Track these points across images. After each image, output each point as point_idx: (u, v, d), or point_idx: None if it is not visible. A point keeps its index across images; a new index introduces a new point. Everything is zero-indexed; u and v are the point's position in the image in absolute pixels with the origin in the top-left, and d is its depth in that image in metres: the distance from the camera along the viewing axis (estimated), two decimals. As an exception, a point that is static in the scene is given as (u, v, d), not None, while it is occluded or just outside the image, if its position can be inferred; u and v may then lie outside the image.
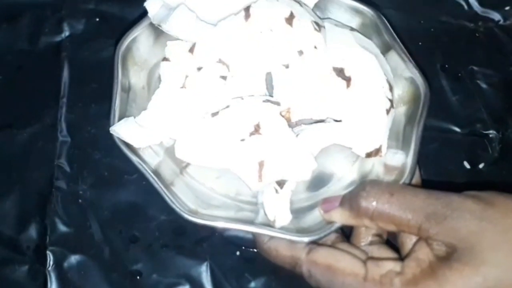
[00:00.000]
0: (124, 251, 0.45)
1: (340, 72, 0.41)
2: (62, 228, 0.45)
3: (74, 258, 0.44)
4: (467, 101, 0.51)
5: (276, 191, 0.39)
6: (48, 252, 0.44)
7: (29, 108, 0.48)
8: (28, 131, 0.48)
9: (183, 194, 0.40)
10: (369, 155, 0.41)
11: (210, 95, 0.40)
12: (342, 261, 0.37)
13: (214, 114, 0.39)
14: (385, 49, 0.43)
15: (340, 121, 0.40)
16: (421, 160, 0.47)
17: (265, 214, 0.39)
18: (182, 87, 0.40)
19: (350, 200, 0.37)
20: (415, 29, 0.52)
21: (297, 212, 0.40)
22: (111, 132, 0.39)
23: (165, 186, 0.39)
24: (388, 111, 0.41)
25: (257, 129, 0.38)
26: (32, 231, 0.45)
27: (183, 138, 0.39)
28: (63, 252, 0.45)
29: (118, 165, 0.47)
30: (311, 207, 0.41)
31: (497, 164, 0.49)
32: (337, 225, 0.38)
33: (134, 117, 0.40)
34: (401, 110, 0.42)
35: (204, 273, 0.45)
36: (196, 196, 0.41)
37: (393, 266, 0.36)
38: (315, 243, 0.38)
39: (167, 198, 0.38)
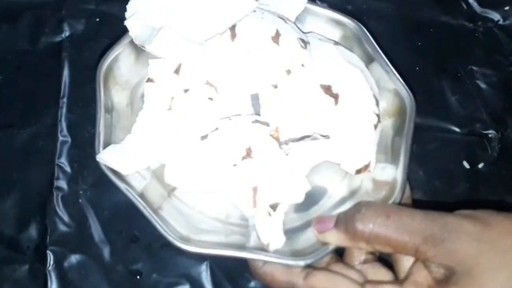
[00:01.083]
0: (124, 251, 0.45)
1: (327, 89, 0.40)
2: (62, 227, 0.45)
3: (74, 258, 0.45)
4: (467, 101, 0.51)
5: (269, 214, 0.39)
6: (48, 251, 0.45)
7: (29, 108, 0.48)
8: (28, 131, 0.48)
9: (172, 219, 0.39)
10: (358, 171, 0.40)
11: (198, 117, 0.39)
12: (340, 285, 0.36)
13: (204, 137, 0.38)
14: (367, 61, 0.43)
15: (328, 137, 0.40)
16: (420, 159, 0.48)
17: (258, 238, 0.39)
18: (168, 109, 0.40)
19: (345, 222, 0.36)
20: (414, 29, 0.52)
21: (289, 233, 0.39)
22: (97, 160, 0.39)
23: (153, 211, 0.38)
24: (375, 126, 0.41)
25: (248, 153, 0.38)
26: (33, 231, 0.45)
27: (172, 163, 0.39)
28: (63, 251, 0.45)
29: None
30: (303, 227, 0.40)
31: (497, 164, 0.49)
32: (332, 247, 0.38)
33: (119, 140, 0.40)
34: (388, 123, 0.42)
35: (204, 273, 0.45)
36: (185, 220, 0.40)
37: None
38: (310, 266, 0.37)
39: (157, 225, 0.38)
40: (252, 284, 0.45)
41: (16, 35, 0.51)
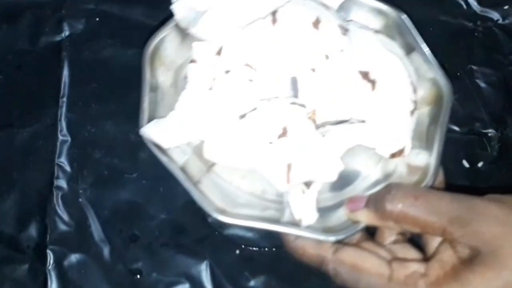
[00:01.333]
0: (124, 250, 0.45)
1: (365, 75, 0.42)
2: (62, 227, 0.45)
3: (74, 257, 0.45)
4: (466, 100, 0.51)
5: (303, 191, 0.40)
6: (48, 251, 0.45)
7: (29, 108, 0.48)
8: (28, 130, 0.48)
9: (210, 192, 0.40)
10: (393, 155, 0.41)
11: (238, 97, 0.40)
12: (368, 261, 0.37)
13: (242, 116, 0.40)
14: (408, 50, 0.44)
15: (364, 122, 0.41)
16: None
17: (292, 214, 0.40)
18: (209, 89, 0.41)
19: (375, 202, 0.38)
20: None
21: (322, 211, 0.40)
22: (140, 134, 0.40)
23: (192, 184, 0.39)
24: (411, 113, 0.42)
25: (284, 132, 0.39)
26: (32, 230, 0.45)
27: (211, 139, 0.40)
28: (63, 251, 0.45)
29: (118, 165, 0.47)
30: (336, 206, 0.41)
31: (496, 163, 0.49)
32: (362, 225, 0.39)
33: (162, 117, 0.41)
34: (425, 110, 0.43)
35: (204, 272, 0.45)
36: (223, 195, 0.41)
37: (417, 267, 0.36)
38: (341, 242, 0.39)
39: (195, 196, 0.39)
40: (252, 282, 0.45)
41: (16, 35, 0.51)
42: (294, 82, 0.41)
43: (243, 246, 0.46)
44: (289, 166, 0.39)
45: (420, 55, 0.43)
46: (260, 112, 0.40)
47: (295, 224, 0.39)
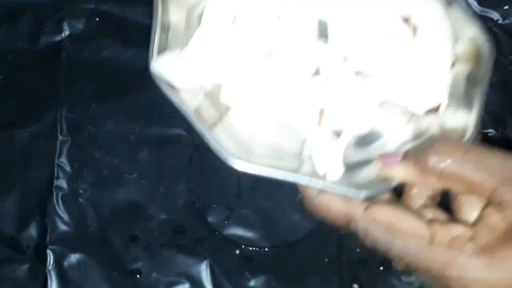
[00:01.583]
0: (124, 250, 0.45)
1: (406, 20, 0.38)
2: (62, 227, 0.45)
3: (74, 257, 0.45)
4: (466, 100, 0.51)
5: (331, 141, 0.36)
6: (48, 251, 0.45)
7: (29, 108, 0.48)
8: (28, 130, 0.48)
9: (224, 141, 0.36)
10: (427, 112, 0.38)
11: (263, 36, 0.37)
12: (405, 220, 0.33)
13: (269, 54, 0.36)
14: (446, 3, 0.40)
15: (399, 73, 0.38)
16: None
17: (312, 167, 0.36)
18: (231, 26, 0.37)
19: (416, 155, 0.34)
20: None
21: (347, 168, 0.36)
22: (150, 70, 0.36)
23: (207, 128, 0.35)
24: (451, 67, 0.39)
25: (318, 73, 0.36)
26: (32, 230, 0.45)
27: (230, 80, 0.36)
28: (63, 251, 0.45)
29: (118, 164, 0.47)
30: (361, 164, 0.37)
31: (496, 163, 0.49)
32: (395, 182, 0.35)
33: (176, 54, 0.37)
34: (463, 68, 0.40)
35: (204, 272, 0.45)
36: (237, 144, 0.37)
37: (463, 230, 0.33)
38: (370, 200, 0.35)
39: (210, 141, 0.35)
40: (252, 282, 0.45)
41: (16, 35, 0.51)
42: (322, 26, 0.37)
43: (243, 246, 0.46)
44: (321, 111, 0.36)
45: (459, 10, 0.40)
46: (290, 50, 0.36)
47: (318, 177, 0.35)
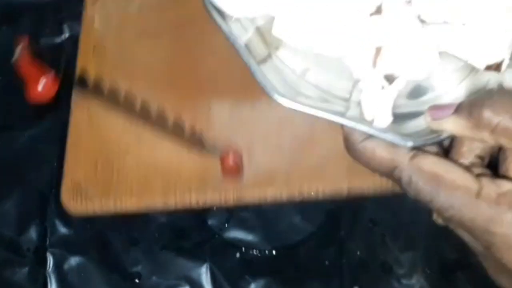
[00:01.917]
0: (124, 253, 0.45)
1: None
2: (62, 230, 0.45)
3: (74, 260, 0.45)
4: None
5: (382, 86, 0.35)
6: (48, 253, 0.45)
7: (29, 110, 0.48)
8: (28, 132, 0.48)
9: (271, 77, 0.35)
10: (488, 68, 0.36)
11: None
12: (453, 172, 0.32)
13: None
14: None
15: (463, 25, 0.36)
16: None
17: (359, 113, 0.35)
18: None
19: (470, 108, 0.32)
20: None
21: (396, 118, 0.35)
22: None
23: (256, 63, 0.34)
24: None
25: (379, 10, 0.34)
26: (32, 233, 0.45)
27: (284, 12, 0.35)
28: (63, 253, 0.45)
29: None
30: (412, 115, 0.36)
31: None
32: (446, 134, 0.33)
33: None
34: None
35: (204, 275, 0.45)
36: (284, 82, 0.36)
37: None
38: (417, 149, 0.33)
39: (258, 76, 0.33)
40: (252, 285, 0.45)
41: (16, 36, 0.51)
42: None
43: (243, 249, 0.45)
44: (378, 50, 0.34)
45: None
46: None
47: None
